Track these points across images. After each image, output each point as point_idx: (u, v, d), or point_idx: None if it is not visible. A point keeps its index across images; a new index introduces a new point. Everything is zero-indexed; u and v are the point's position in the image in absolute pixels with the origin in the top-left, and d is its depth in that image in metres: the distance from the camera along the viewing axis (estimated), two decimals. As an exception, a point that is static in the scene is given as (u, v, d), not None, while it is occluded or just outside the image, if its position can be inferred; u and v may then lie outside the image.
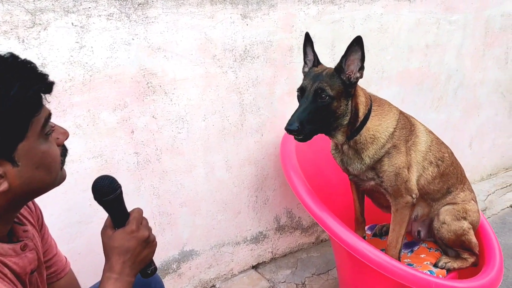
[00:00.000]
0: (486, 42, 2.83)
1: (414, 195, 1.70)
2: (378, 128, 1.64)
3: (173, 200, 1.99)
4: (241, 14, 1.91)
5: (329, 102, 1.50)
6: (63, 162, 0.94)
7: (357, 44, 1.47)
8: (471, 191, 1.97)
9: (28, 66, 0.83)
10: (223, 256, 2.22)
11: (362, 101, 1.60)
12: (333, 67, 1.55)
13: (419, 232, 1.93)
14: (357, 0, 2.22)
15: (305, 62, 1.65)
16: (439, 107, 2.76)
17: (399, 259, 1.79)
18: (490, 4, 2.74)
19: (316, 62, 1.62)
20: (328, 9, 2.14)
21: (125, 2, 1.64)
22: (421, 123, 1.87)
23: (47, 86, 0.85)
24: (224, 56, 1.92)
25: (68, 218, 1.74)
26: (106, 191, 0.99)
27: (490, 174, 3.29)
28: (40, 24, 1.52)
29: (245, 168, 2.14)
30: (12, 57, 0.83)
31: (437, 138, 1.89)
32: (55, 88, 1.56)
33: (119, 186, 1.02)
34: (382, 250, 1.79)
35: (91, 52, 1.63)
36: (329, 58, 2.22)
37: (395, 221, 1.74)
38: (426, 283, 1.57)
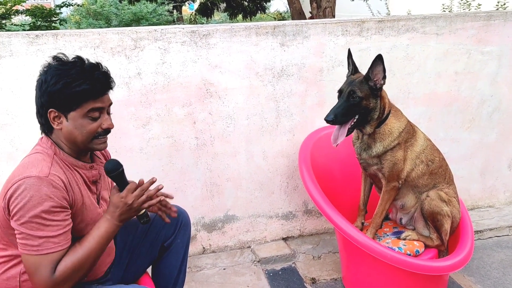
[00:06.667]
0: (527, 72, 3.05)
1: (400, 182, 2.24)
2: (394, 125, 2.20)
3: (221, 175, 2.73)
4: (279, 43, 2.59)
5: (359, 101, 2.08)
6: (95, 138, 1.54)
7: (379, 60, 2.06)
8: (456, 193, 2.37)
9: (95, 76, 1.49)
10: (258, 225, 2.89)
11: (386, 102, 2.19)
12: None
13: (401, 219, 2.40)
14: (383, 33, 2.73)
15: (348, 70, 2.25)
16: (470, 127, 3.08)
17: (380, 226, 2.37)
18: (531, 37, 2.98)
19: (354, 70, 2.22)
20: (356, 39, 2.70)
21: (194, 33, 2.44)
22: (422, 132, 2.35)
23: (99, 91, 1.50)
24: (265, 73, 2.61)
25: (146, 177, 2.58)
26: (111, 170, 1.52)
27: (536, 198, 3.42)
28: (139, 47, 2.39)
29: (278, 159, 2.80)
30: (80, 61, 1.51)
31: (433, 145, 2.35)
32: (146, 88, 2.43)
33: (120, 166, 1.52)
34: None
35: (170, 66, 2.46)
36: (357, 78, 2.76)
37: (383, 199, 2.28)
38: (380, 252, 2.09)
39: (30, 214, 1.38)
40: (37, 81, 1.53)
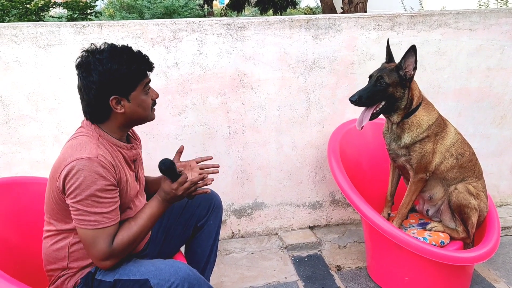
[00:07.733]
0: (562, 69, 3.02)
1: (428, 174, 2.29)
2: (423, 118, 2.24)
3: (251, 163, 2.83)
4: (312, 36, 2.65)
5: (385, 87, 2.14)
6: (151, 109, 1.71)
7: (412, 50, 2.11)
8: (484, 187, 2.39)
9: (140, 55, 1.67)
10: (286, 213, 2.98)
11: (416, 94, 2.23)
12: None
13: (427, 211, 2.44)
14: (415, 28, 2.76)
15: (386, 59, 2.31)
16: (502, 124, 3.07)
17: (406, 217, 2.43)
18: None
19: (389, 59, 2.27)
20: (387, 34, 2.73)
21: (229, 26, 2.54)
22: (453, 126, 2.38)
23: (150, 66, 1.67)
24: (297, 65, 2.69)
25: (181, 162, 2.70)
26: (166, 168, 1.67)
27: None
28: (177, 38, 2.50)
29: (307, 150, 2.87)
30: (129, 49, 1.63)
31: (463, 139, 2.38)
32: (183, 77, 2.55)
33: (173, 164, 1.67)
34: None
35: (206, 57, 2.56)
36: (387, 72, 2.79)
37: (410, 190, 2.33)
38: (405, 241, 2.14)
39: (86, 193, 1.51)
40: (95, 73, 1.56)
